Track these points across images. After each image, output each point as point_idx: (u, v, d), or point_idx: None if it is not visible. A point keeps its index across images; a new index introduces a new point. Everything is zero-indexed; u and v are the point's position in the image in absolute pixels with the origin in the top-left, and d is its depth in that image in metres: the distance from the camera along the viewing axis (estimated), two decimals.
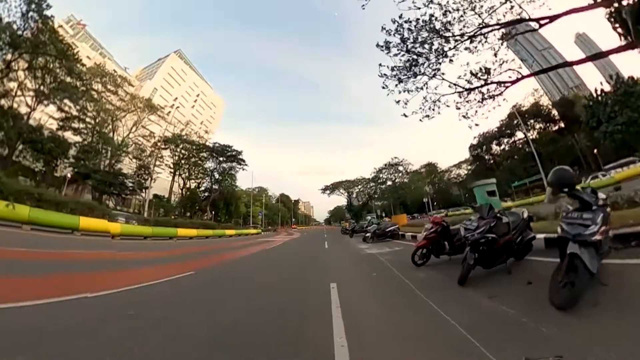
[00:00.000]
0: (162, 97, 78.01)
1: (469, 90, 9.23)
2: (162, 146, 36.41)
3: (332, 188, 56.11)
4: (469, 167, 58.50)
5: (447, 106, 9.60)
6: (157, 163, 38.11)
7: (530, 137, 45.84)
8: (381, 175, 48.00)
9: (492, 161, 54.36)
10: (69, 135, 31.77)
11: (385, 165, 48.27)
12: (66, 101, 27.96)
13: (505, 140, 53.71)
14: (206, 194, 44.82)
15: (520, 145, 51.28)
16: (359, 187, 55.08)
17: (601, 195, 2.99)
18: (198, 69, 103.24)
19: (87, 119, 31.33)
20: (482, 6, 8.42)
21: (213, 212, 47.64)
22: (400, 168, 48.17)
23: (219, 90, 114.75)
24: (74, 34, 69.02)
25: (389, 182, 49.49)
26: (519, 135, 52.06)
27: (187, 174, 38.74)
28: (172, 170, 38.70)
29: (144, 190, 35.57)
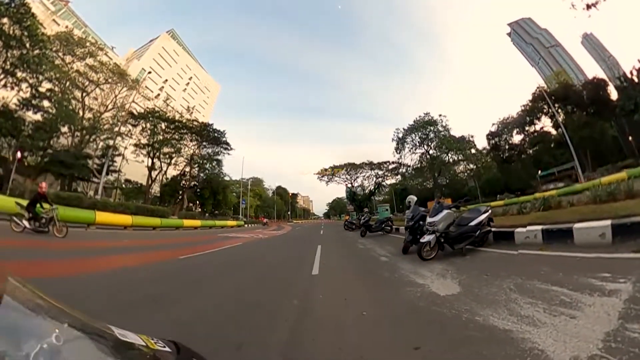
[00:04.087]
0: (150, 78, 71.77)
1: None
2: (131, 122, 30.20)
3: (331, 174, 45.82)
4: (484, 160, 52.32)
5: None
6: (124, 143, 31.96)
7: (560, 121, 40.07)
8: (406, 144, 33.35)
9: (512, 151, 48.34)
10: (29, 114, 25.82)
11: (414, 122, 32.44)
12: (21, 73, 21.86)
13: (527, 127, 47.72)
14: (192, 183, 39.02)
15: (546, 132, 45.57)
16: (366, 169, 44.53)
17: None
18: (194, 52, 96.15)
19: (46, 89, 25.04)
20: None
21: (198, 202, 41.95)
22: (440, 129, 30.99)
23: (220, 84, 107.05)
24: (56, 11, 62.33)
25: (416, 155, 33.07)
26: (544, 120, 46.39)
27: (157, 153, 32.47)
28: (148, 153, 32.50)
29: (109, 173, 29.68)
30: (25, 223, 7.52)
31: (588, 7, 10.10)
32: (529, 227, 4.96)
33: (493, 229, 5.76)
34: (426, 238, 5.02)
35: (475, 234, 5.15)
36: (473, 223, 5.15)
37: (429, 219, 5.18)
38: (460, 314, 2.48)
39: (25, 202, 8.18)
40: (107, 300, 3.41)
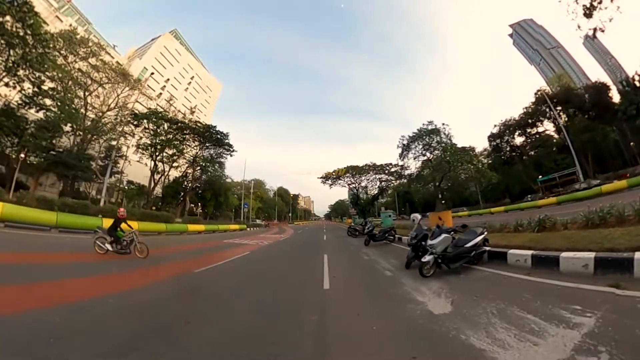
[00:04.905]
0: (153, 78, 72.48)
1: None
2: (133, 122, 30.54)
3: (334, 177, 46.12)
4: (485, 161, 52.60)
5: None
6: (127, 142, 32.41)
7: (561, 125, 40.18)
8: (410, 152, 34.25)
9: (513, 153, 48.72)
10: (32, 112, 26.27)
11: (418, 131, 33.52)
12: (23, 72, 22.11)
13: (529, 130, 47.98)
14: (194, 185, 39.55)
15: (548, 135, 45.96)
16: (370, 174, 44.81)
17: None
18: (195, 50, 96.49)
19: (48, 88, 25.32)
20: None
21: (200, 204, 42.67)
22: (443, 137, 32.54)
23: (222, 83, 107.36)
24: (59, 7, 63.05)
25: (420, 162, 34.73)
26: (545, 124, 46.65)
27: (159, 155, 32.76)
28: (150, 154, 32.94)
29: (112, 175, 30.18)
30: (108, 246, 8.19)
31: (594, 31, 10.41)
32: (520, 251, 5.50)
33: (488, 248, 6.32)
34: (426, 258, 5.61)
35: (470, 254, 5.77)
36: (469, 245, 5.76)
37: (429, 242, 5.81)
38: (449, 332, 3.03)
39: (102, 222, 8.94)
40: (137, 324, 3.61)
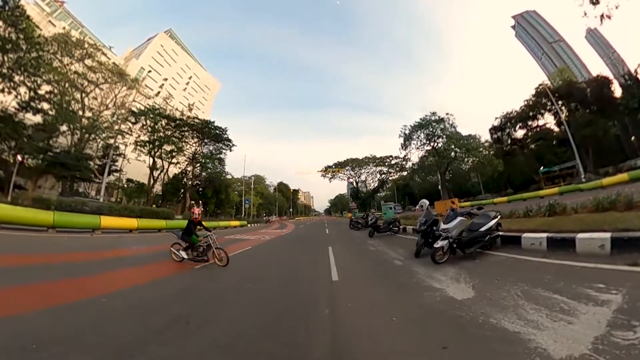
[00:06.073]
0: (151, 77, 71.94)
1: None
2: (130, 119, 30.32)
3: (333, 171, 45.37)
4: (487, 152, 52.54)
5: None
6: (125, 140, 32.20)
7: (563, 119, 40.11)
8: (412, 141, 33.37)
9: (514, 145, 48.72)
10: (29, 116, 25.97)
11: (421, 120, 32.56)
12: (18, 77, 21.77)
13: (530, 122, 47.91)
14: (194, 182, 39.42)
15: (549, 128, 45.89)
16: (370, 166, 44.23)
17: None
18: (192, 50, 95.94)
19: (45, 91, 24.94)
20: None
21: (200, 201, 42.57)
22: (447, 126, 30.73)
23: (220, 81, 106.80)
24: (51, 12, 62.17)
25: (422, 152, 33.35)
26: (546, 117, 46.62)
27: (158, 152, 32.57)
28: (149, 151, 32.74)
29: (110, 174, 29.96)
30: (183, 254, 7.16)
31: (601, 18, 10.25)
32: (535, 234, 5.43)
33: (501, 233, 6.27)
34: (439, 243, 5.45)
35: (485, 238, 5.67)
36: (483, 229, 5.66)
37: (442, 226, 5.64)
38: (477, 317, 2.88)
39: (100, 221, 7.85)
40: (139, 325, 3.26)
